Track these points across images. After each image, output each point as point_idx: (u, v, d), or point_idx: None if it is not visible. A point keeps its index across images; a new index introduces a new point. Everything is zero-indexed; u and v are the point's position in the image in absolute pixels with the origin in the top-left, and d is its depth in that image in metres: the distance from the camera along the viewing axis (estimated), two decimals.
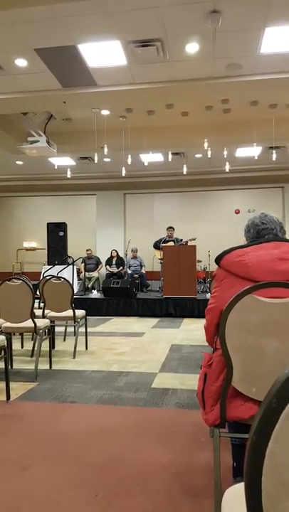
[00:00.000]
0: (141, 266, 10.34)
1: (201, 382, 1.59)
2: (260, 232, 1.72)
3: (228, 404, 1.46)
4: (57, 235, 10.34)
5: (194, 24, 4.28)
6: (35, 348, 4.06)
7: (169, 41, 4.61)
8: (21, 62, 5.08)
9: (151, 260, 9.41)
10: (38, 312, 4.37)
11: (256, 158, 8.57)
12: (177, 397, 3.11)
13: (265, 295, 1.40)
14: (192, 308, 7.71)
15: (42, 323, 3.88)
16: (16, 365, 4.10)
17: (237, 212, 11.81)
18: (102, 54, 4.88)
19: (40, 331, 3.80)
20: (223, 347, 1.42)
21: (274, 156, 7.89)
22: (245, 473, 0.46)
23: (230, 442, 1.81)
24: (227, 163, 8.51)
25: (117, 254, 10.69)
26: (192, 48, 4.75)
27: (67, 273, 8.01)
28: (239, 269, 1.51)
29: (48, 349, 4.13)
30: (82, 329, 4.84)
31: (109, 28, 4.35)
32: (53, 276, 4.78)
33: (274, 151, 7.92)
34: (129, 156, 7.78)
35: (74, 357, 4.42)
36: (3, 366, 3.06)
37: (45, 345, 4.25)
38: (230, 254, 1.57)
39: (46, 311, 4.63)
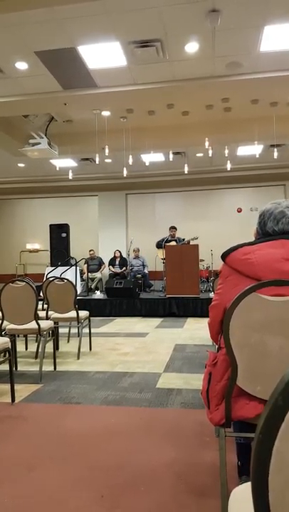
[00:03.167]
0: (143, 266, 10.34)
1: (206, 382, 1.58)
2: (274, 233, 1.58)
3: (233, 403, 1.45)
4: (59, 237, 10.36)
5: (194, 24, 4.28)
6: (40, 350, 4.07)
7: (169, 41, 4.61)
8: (22, 65, 5.10)
9: (154, 260, 9.42)
10: (41, 314, 4.37)
11: (258, 156, 8.56)
12: (182, 397, 3.10)
13: (269, 293, 1.39)
14: (195, 308, 7.70)
15: (46, 324, 3.89)
16: (20, 367, 4.11)
17: (239, 210, 11.80)
18: (102, 55, 4.89)
19: (44, 333, 3.81)
20: (228, 345, 1.42)
21: (275, 154, 7.88)
22: (252, 472, 0.45)
23: (234, 441, 1.80)
24: (228, 161, 8.51)
25: (120, 254, 10.70)
26: (192, 47, 4.75)
27: (70, 274, 8.03)
28: (244, 268, 1.50)
29: (52, 350, 4.14)
30: (85, 330, 4.84)
31: (108, 29, 4.35)
32: (56, 278, 4.79)
33: (275, 149, 7.91)
34: (131, 157, 7.79)
35: (78, 358, 4.42)
36: (8, 368, 3.06)
37: (49, 347, 4.27)
38: (236, 252, 1.53)
39: (50, 313, 4.64)
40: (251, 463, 0.46)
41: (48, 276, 6.81)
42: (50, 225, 10.67)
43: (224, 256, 1.58)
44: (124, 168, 8.29)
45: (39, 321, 3.72)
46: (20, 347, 4.87)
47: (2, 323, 3.80)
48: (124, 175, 8.39)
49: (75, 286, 4.65)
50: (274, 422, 0.44)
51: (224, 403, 1.46)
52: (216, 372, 1.54)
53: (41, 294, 4.81)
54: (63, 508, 1.69)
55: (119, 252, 10.75)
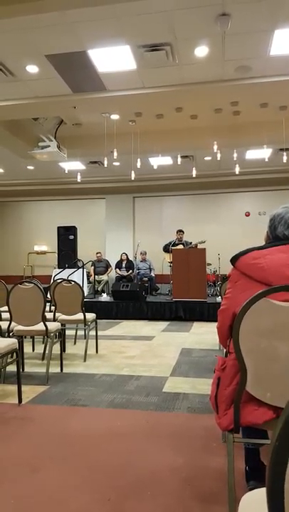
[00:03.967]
0: (150, 269, 10.33)
1: (214, 386, 1.57)
2: (283, 233, 1.57)
3: (241, 409, 1.44)
4: (67, 239, 10.40)
5: (203, 27, 4.28)
6: (47, 351, 4.07)
7: (178, 45, 4.63)
8: (32, 69, 5.14)
9: (161, 263, 9.41)
10: (49, 315, 4.39)
11: (266, 160, 8.53)
12: (189, 401, 3.09)
13: (279, 298, 1.38)
14: (202, 312, 7.67)
15: (53, 326, 3.90)
16: (27, 369, 4.13)
17: (247, 214, 11.75)
18: (112, 59, 4.92)
19: (52, 334, 3.82)
20: (237, 351, 1.41)
21: (284, 158, 7.84)
22: (268, 479, 0.45)
23: (242, 446, 1.79)
24: (237, 165, 8.48)
25: (127, 257, 10.71)
26: (201, 51, 4.75)
27: (77, 276, 8.05)
28: (254, 272, 1.48)
29: (59, 352, 4.14)
30: (92, 332, 4.85)
31: (118, 33, 4.38)
32: (64, 280, 4.80)
33: (284, 153, 7.87)
34: (139, 160, 7.80)
35: (84, 360, 4.42)
36: (15, 369, 3.07)
37: (56, 349, 4.27)
38: (246, 256, 1.52)
39: (57, 315, 4.65)
40: (267, 470, 0.45)
41: (56, 278, 6.84)
42: (58, 227, 10.71)
43: (234, 260, 1.56)
44: (132, 172, 8.30)
45: (46, 323, 3.73)
46: (27, 348, 4.88)
47: (10, 324, 3.82)
48: (132, 178, 8.40)
49: (82, 289, 4.66)
50: None
51: (233, 408, 1.45)
52: (225, 377, 1.53)
53: (49, 295, 4.83)
54: (68, 511, 1.69)
55: (126, 254, 10.75)
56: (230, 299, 1.57)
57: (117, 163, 9.34)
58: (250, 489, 1.65)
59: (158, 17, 4.10)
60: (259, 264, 1.47)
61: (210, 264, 9.33)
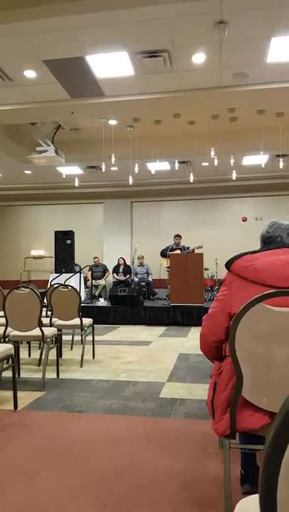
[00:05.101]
0: (148, 274, 10.33)
1: (211, 391, 1.57)
2: (266, 241, 1.78)
3: (237, 414, 1.44)
4: (64, 243, 10.39)
5: (201, 34, 4.32)
6: (43, 357, 4.05)
7: (176, 52, 4.66)
8: (30, 74, 5.17)
9: (159, 268, 9.41)
10: (45, 320, 4.37)
11: (263, 166, 8.58)
12: (185, 407, 3.08)
13: (275, 303, 1.39)
14: (199, 317, 7.63)
15: (49, 331, 3.88)
16: (23, 374, 4.10)
17: (244, 220, 11.79)
18: (110, 65, 4.95)
19: (48, 340, 3.80)
20: (233, 355, 1.41)
21: (281, 164, 7.89)
22: (261, 484, 0.45)
23: (239, 450, 1.78)
24: (234, 171, 8.52)
25: (124, 262, 10.70)
26: (199, 58, 4.79)
27: (74, 281, 8.03)
28: (249, 273, 1.53)
29: (55, 358, 4.12)
30: (89, 338, 4.83)
31: (117, 39, 4.41)
32: (61, 285, 4.79)
33: (281, 159, 7.93)
34: (136, 165, 7.83)
35: (81, 366, 4.40)
36: (11, 375, 3.05)
37: (53, 354, 4.25)
38: (240, 259, 1.59)
39: (53, 320, 4.63)
40: (260, 476, 0.45)
41: (52, 282, 6.82)
42: (56, 232, 10.71)
43: (228, 264, 1.62)
44: (130, 176, 8.33)
45: (43, 328, 3.71)
46: (23, 354, 4.86)
47: (6, 329, 3.80)
48: (130, 183, 8.42)
49: (79, 294, 4.65)
50: (284, 434, 0.43)
51: (229, 413, 1.45)
52: (221, 381, 1.53)
53: (45, 300, 4.81)
54: None
55: (123, 259, 10.75)
56: (223, 300, 1.60)
57: (114, 168, 9.36)
58: (244, 493, 1.65)
59: (156, 24, 4.14)
60: (253, 266, 1.53)
61: (207, 269, 9.34)
